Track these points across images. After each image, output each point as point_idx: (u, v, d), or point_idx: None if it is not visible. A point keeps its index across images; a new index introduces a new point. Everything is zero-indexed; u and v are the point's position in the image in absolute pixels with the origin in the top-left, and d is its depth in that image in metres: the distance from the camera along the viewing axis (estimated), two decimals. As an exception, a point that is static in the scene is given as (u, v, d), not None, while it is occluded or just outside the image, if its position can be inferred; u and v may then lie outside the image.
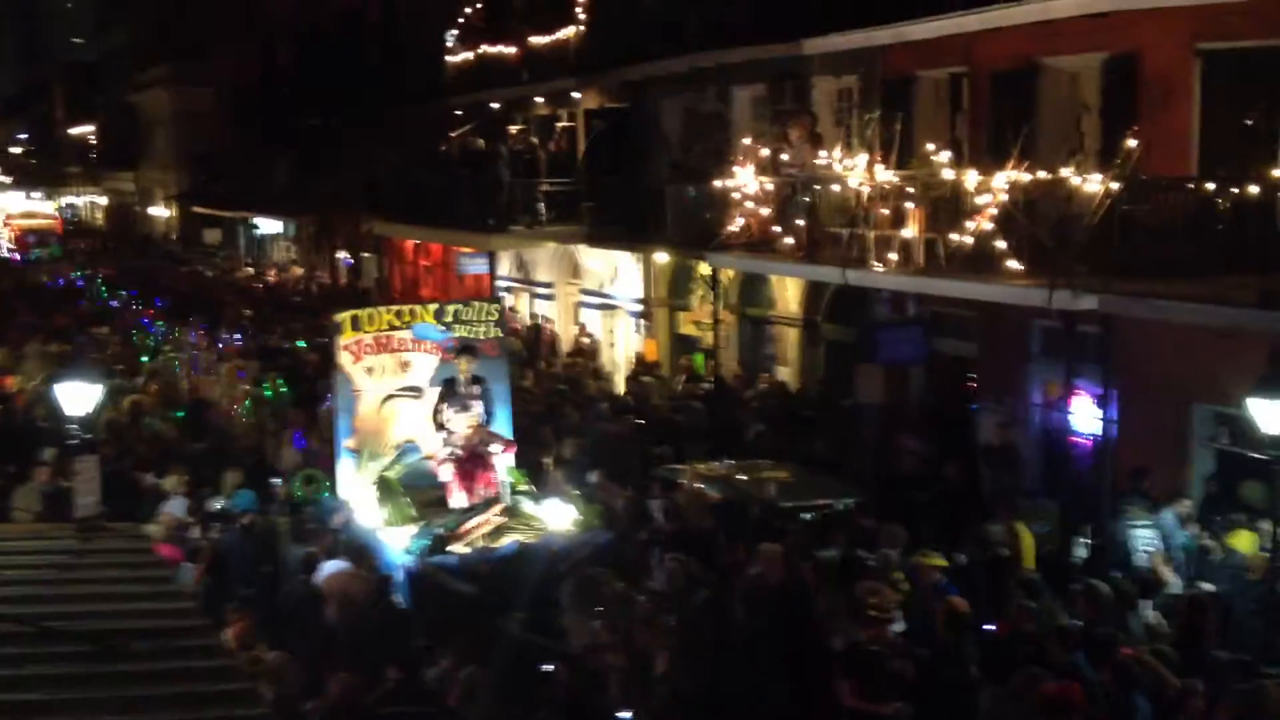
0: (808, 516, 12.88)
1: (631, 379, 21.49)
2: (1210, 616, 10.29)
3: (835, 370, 19.14)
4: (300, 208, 40.61)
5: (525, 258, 28.12)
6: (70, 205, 76.00)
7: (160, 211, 58.13)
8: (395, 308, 14.44)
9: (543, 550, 12.14)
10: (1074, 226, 12.48)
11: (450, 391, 13.60)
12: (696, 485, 13.82)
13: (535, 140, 25.63)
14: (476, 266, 27.54)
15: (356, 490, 13.57)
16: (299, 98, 39.46)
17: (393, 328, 13.87)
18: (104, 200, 71.42)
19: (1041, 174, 12.98)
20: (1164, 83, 13.69)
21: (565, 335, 26.37)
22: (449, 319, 14.10)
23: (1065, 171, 12.59)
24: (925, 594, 10.71)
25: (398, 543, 12.49)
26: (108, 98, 66.07)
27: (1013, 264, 13.18)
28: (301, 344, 24.53)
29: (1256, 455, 11.66)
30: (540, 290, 27.63)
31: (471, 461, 13.26)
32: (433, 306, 14.43)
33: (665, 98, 23.07)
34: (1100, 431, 13.56)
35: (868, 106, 17.83)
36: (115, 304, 33.00)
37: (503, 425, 14.16)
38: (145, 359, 23.22)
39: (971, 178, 13.58)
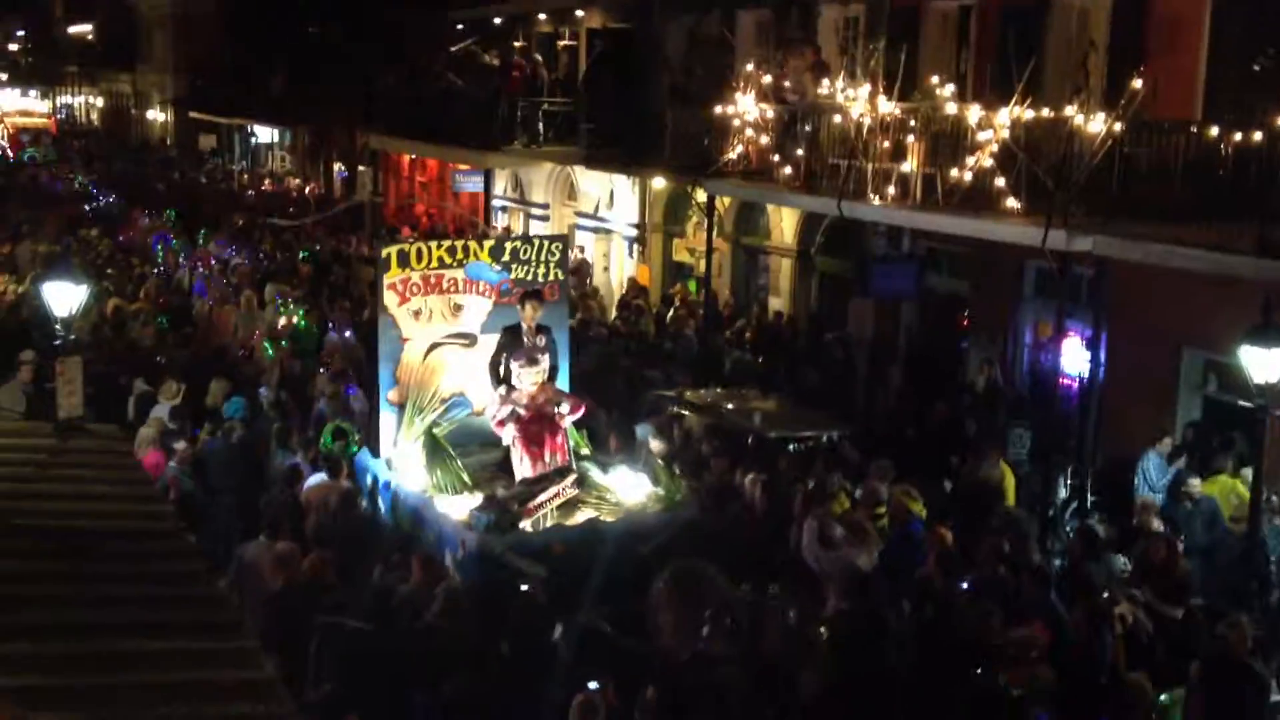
0: (793, 448, 12.86)
1: (623, 305, 21.40)
2: (1182, 563, 10.32)
3: (827, 303, 19.09)
4: (297, 117, 40.13)
5: (521, 177, 27.88)
6: (66, 105, 75.10)
7: (156, 115, 57.45)
8: (447, 243, 12.76)
9: (622, 529, 10.75)
10: (1074, 166, 12.36)
11: (515, 342, 11.84)
12: (687, 411, 13.78)
13: (538, 58, 25.28)
14: (472, 184, 27.24)
15: (399, 449, 12.12)
16: (299, 5, 38.89)
17: (443, 265, 12.26)
18: (100, 102, 70.57)
19: (1045, 112, 12.82)
20: (1173, 23, 13.49)
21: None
22: (506, 258, 12.49)
23: (1069, 110, 12.43)
24: (901, 521, 10.74)
25: (452, 512, 11.15)
26: (108, -4, 65.05)
27: (1011, 202, 13.07)
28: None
29: (1245, 403, 11.65)
30: (535, 211, 27.44)
31: (538, 424, 11.53)
32: (489, 243, 12.80)
33: (669, 19, 22.74)
34: (1088, 373, 13.53)
35: (873, 36, 17.58)
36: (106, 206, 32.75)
37: (564, 380, 12.65)
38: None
39: (974, 113, 13.42)
